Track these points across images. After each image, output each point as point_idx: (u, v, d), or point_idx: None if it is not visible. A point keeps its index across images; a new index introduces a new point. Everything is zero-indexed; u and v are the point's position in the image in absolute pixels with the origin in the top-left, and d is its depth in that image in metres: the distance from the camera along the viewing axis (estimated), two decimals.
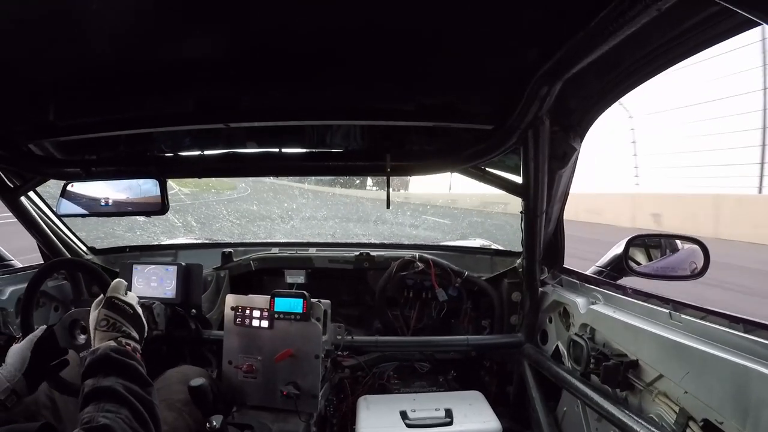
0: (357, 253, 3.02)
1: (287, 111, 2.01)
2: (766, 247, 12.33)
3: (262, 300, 2.15)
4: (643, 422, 1.49)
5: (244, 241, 3.74)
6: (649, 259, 2.23)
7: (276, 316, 2.10)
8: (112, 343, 1.42)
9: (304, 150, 2.38)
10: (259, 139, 2.37)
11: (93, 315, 1.52)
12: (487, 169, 2.25)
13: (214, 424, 1.91)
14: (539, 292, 2.40)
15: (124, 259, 2.96)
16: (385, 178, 2.22)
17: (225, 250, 3.04)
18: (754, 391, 1.12)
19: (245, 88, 1.88)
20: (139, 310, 1.61)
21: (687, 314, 1.46)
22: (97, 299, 1.58)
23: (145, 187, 2.23)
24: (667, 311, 1.54)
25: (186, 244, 3.82)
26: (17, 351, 1.59)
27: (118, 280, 1.63)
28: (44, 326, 1.70)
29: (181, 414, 1.83)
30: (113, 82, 1.75)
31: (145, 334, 1.63)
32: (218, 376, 2.26)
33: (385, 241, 4.55)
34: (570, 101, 1.80)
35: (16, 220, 2.48)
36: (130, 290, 2.39)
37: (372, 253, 3.01)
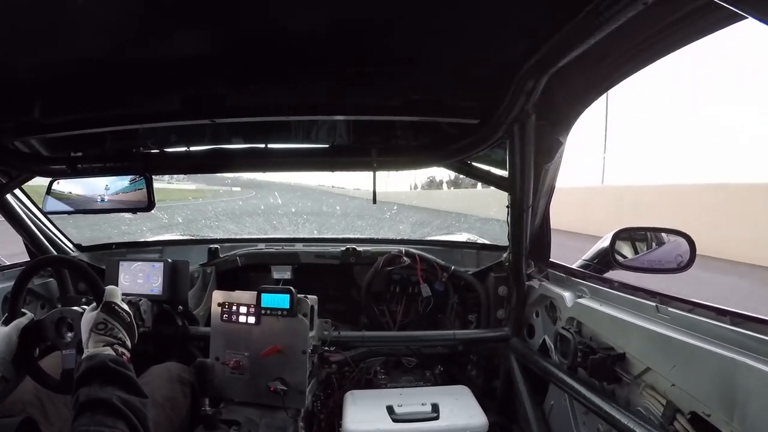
0: (343, 249, 3.02)
1: (273, 107, 2.00)
2: None
3: (248, 296, 2.15)
4: (630, 415, 1.49)
5: (230, 237, 3.72)
6: (636, 252, 2.24)
7: (263, 312, 2.09)
8: (110, 351, 1.40)
9: (290, 145, 2.37)
10: (245, 135, 2.37)
11: (89, 316, 1.51)
12: (473, 163, 2.26)
13: (207, 409, 1.98)
14: (526, 286, 2.41)
15: (110, 255, 2.95)
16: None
17: (211, 246, 3.03)
18: (741, 383, 1.13)
19: (231, 85, 1.87)
20: (133, 320, 1.60)
21: (674, 307, 1.46)
22: (93, 304, 1.57)
23: (131, 184, 2.21)
24: (653, 304, 1.54)
25: (172, 240, 3.78)
26: (2, 336, 1.55)
27: (112, 287, 1.61)
28: (30, 315, 1.66)
29: (164, 409, 1.84)
30: (99, 79, 1.74)
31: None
32: None
33: (372, 236, 4.56)
34: (556, 95, 1.80)
35: None
36: (117, 288, 2.39)
37: (358, 248, 3.01)
